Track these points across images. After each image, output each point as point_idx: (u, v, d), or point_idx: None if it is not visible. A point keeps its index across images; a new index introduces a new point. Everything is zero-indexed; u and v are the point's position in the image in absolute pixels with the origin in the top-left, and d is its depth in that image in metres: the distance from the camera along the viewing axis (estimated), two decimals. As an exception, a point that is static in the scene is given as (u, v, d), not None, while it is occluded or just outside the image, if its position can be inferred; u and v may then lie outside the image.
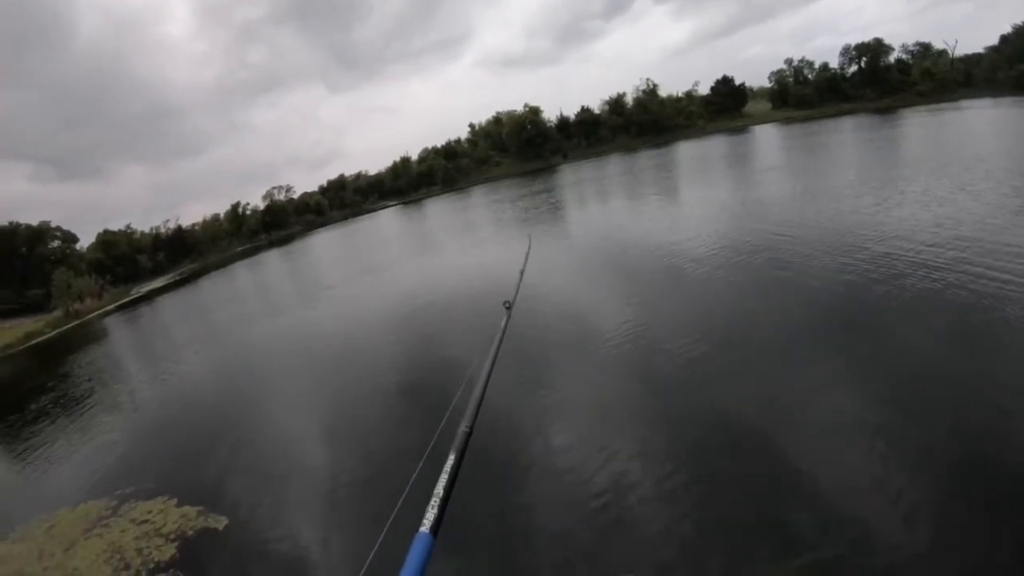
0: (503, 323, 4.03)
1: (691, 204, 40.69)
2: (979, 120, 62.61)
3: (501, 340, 3.74)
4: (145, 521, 14.11)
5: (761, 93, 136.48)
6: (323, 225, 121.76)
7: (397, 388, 18.94)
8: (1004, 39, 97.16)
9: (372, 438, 15.95)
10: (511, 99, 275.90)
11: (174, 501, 14.78)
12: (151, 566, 12.24)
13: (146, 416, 23.57)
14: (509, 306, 4.45)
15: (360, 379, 20.59)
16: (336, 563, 11.18)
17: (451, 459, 2.74)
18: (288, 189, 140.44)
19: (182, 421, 21.78)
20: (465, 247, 43.48)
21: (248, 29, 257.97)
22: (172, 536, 13.15)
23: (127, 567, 12.36)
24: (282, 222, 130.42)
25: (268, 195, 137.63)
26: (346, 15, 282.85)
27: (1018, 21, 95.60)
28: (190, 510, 14.12)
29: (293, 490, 14.18)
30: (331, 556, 11.45)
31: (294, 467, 15.43)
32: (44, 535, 14.74)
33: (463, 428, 2.93)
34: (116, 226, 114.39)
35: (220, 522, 13.34)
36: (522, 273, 4.74)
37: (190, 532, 13.19)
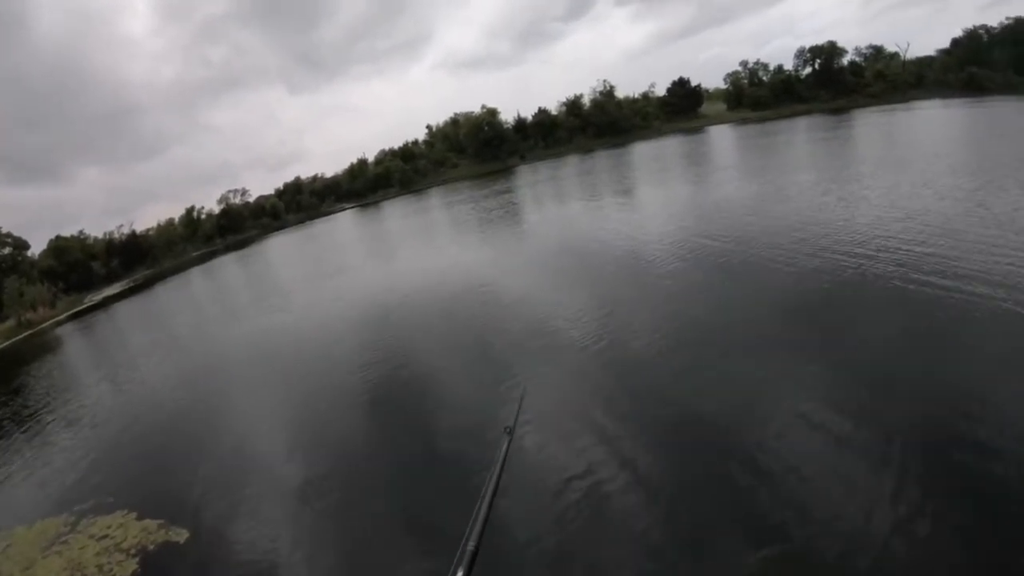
0: (504, 449, 3.97)
1: (646, 204, 40.99)
2: (929, 119, 64.91)
3: (503, 467, 3.71)
4: (105, 536, 13.89)
5: (717, 94, 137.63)
6: (280, 229, 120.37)
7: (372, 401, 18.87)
8: (955, 42, 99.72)
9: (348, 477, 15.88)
10: (471, 100, 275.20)
11: (134, 515, 14.56)
12: (112, 582, 12.10)
13: (104, 428, 23.16)
14: (510, 432, 4.38)
15: (331, 399, 20.38)
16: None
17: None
18: (244, 192, 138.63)
19: (141, 433, 21.44)
20: (424, 251, 43.19)
21: (209, 26, 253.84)
22: (133, 551, 12.96)
23: (87, 584, 12.22)
24: (238, 226, 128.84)
25: (224, 199, 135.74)
26: (310, 15, 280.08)
27: (970, 25, 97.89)
28: (151, 523, 13.94)
29: (256, 502, 14.00)
30: (298, 571, 11.38)
31: (257, 478, 15.29)
32: (1, 555, 14.48)
33: (470, 546, 2.90)
34: (69, 231, 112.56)
35: (181, 535, 13.19)
36: (516, 420, 4.63)
37: (151, 546, 13.02)
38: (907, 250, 19.73)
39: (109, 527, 14.30)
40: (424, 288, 29.49)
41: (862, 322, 15.56)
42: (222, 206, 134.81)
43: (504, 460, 3.68)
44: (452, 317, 24.09)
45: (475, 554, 2.83)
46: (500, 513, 9.43)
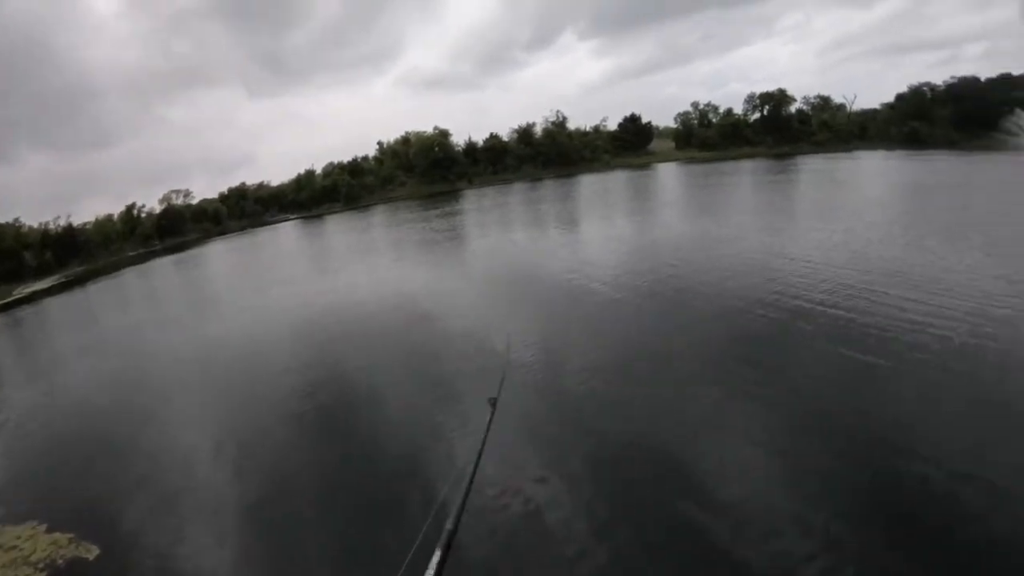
0: (488, 419, 3.89)
1: (589, 236, 41.44)
2: (868, 169, 67.57)
3: (485, 438, 3.64)
4: (13, 548, 13.49)
5: (667, 133, 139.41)
6: (221, 234, 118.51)
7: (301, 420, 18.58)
8: (900, 97, 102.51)
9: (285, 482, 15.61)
10: (426, 120, 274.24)
11: (44, 527, 14.16)
12: (16, 598, 11.71)
13: (19, 433, 22.48)
14: (494, 402, 4.31)
15: (258, 401, 20.15)
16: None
17: (435, 556, 2.70)
18: (187, 194, 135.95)
19: (58, 440, 20.80)
20: (363, 269, 42.81)
21: (178, 16, 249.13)
22: (41, 565, 12.62)
23: (-10, 599, 11.81)
24: (178, 228, 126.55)
25: (166, 198, 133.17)
26: (282, 17, 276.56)
27: (915, 81, 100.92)
28: (61, 537, 13.56)
29: (177, 520, 13.70)
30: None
31: (181, 494, 14.92)
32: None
33: (448, 525, 2.91)
34: (5, 218, 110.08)
35: (92, 551, 12.87)
36: (503, 373, 4.49)
37: (60, 561, 12.69)
38: (839, 291, 20.47)
39: (17, 538, 13.88)
40: (360, 308, 29.32)
41: (795, 355, 15.99)
42: (164, 206, 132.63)
43: (485, 439, 3.67)
44: (388, 339, 23.95)
45: (453, 534, 2.89)
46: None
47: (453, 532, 2.87)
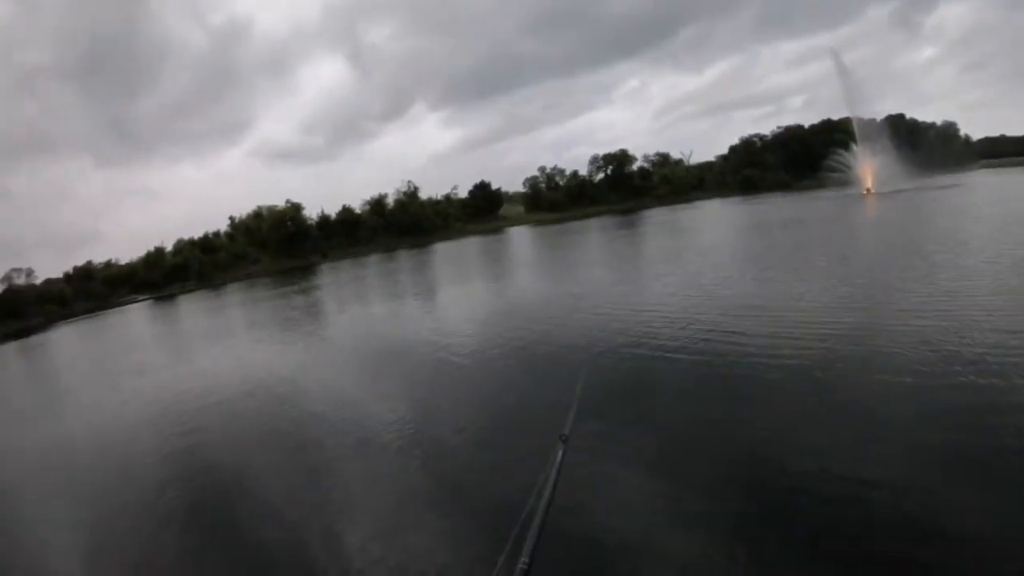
0: (559, 457, 3.79)
1: (445, 305, 41.68)
2: (708, 215, 70.46)
3: (558, 475, 3.54)
4: None
5: (516, 197, 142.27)
6: (67, 318, 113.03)
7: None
8: (732, 149, 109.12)
9: None
10: (279, 193, 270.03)
11: None
12: None
13: None
14: (565, 439, 4.14)
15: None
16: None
17: None
18: (30, 273, 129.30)
19: None
20: (222, 353, 42.08)
21: (27, 76, 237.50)
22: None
23: None
24: (20, 311, 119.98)
25: (7, 278, 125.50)
26: (131, 84, 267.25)
27: (746, 133, 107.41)
28: None
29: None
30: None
31: None
32: None
33: (522, 564, 2.79)
34: None
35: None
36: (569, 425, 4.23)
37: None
38: (695, 326, 21.40)
39: None
40: (221, 395, 28.54)
41: (664, 389, 16.61)
42: (4, 286, 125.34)
43: (559, 470, 3.55)
44: (252, 426, 23.60)
45: (528, 572, 2.77)
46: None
47: (527, 571, 2.75)
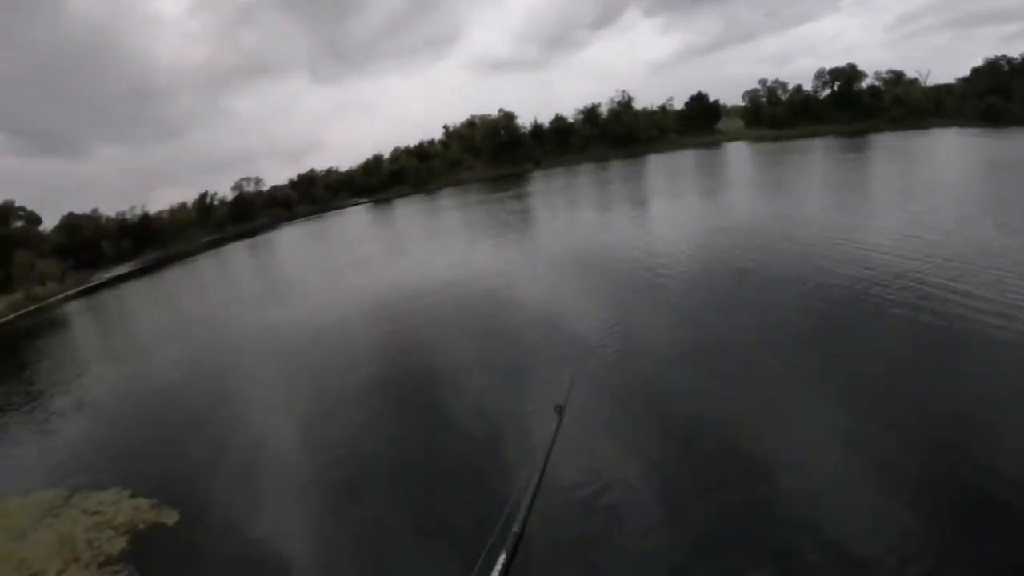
0: (554, 428, 3.87)
1: (661, 218, 40.80)
2: (947, 146, 64.98)
3: (552, 446, 3.62)
4: (97, 512, 14.02)
5: (735, 111, 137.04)
6: (291, 220, 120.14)
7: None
8: (975, 72, 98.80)
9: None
10: (491, 103, 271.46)
11: (128, 493, 14.70)
12: (101, 559, 12.18)
13: (104, 407, 23.33)
14: (561, 410, 4.20)
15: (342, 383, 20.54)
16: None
17: (501, 559, 2.70)
18: (258, 181, 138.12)
19: (141, 414, 21.58)
20: (438, 252, 43.08)
21: (243, 11, 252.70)
22: (123, 529, 13.09)
23: (77, 559, 12.29)
24: (250, 214, 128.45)
25: (237, 186, 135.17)
26: (344, 4, 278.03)
27: (991, 55, 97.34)
28: (143, 502, 14.07)
29: (252, 490, 14.07)
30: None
31: (255, 465, 15.33)
32: (-7, 523, 14.57)
33: (514, 529, 2.83)
34: (83, 209, 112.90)
35: (172, 516, 13.32)
36: (567, 399, 4.28)
37: (142, 525, 13.14)
38: (922, 277, 19.78)
39: (102, 503, 14.43)
40: (439, 289, 29.27)
41: (878, 347, 15.50)
42: (236, 193, 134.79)
43: (553, 442, 3.60)
44: (469, 318, 24.04)
45: (519, 538, 2.86)
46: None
47: (520, 536, 2.85)
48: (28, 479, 16.94)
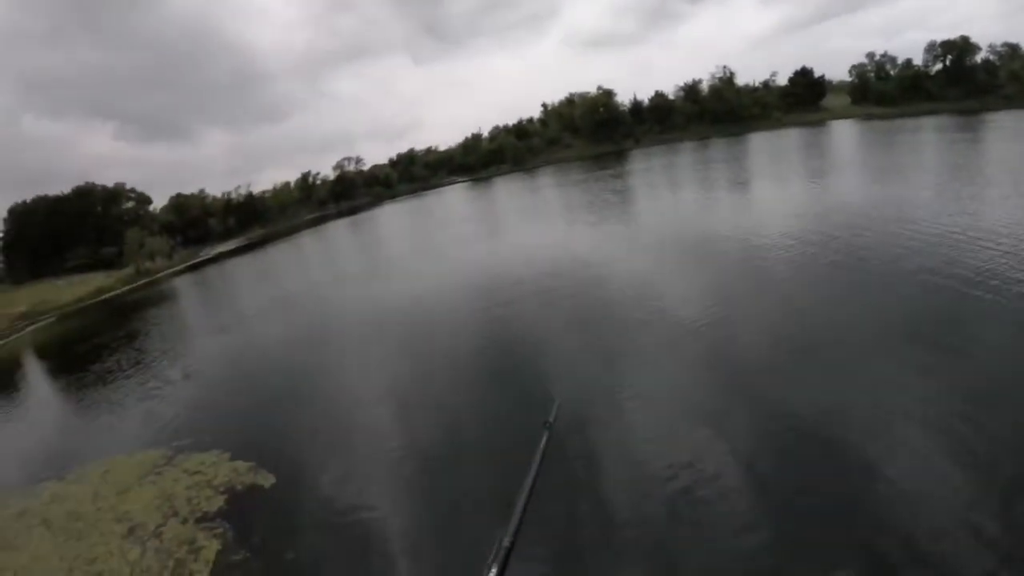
0: (542, 443, 3.80)
1: (762, 200, 39.84)
2: None
3: (541, 462, 3.56)
4: (197, 472, 14.50)
5: (840, 87, 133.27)
6: (392, 198, 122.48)
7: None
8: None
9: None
10: (588, 80, 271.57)
11: (227, 455, 15.15)
12: (198, 515, 12.57)
13: (209, 373, 24.13)
14: (549, 425, 4.15)
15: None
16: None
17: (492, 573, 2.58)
18: (358, 161, 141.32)
19: (242, 382, 22.30)
20: (538, 233, 42.92)
21: None
22: (221, 488, 13.48)
23: (175, 514, 12.71)
24: (351, 193, 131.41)
25: (339, 166, 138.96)
26: None
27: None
28: (241, 465, 14.46)
29: (344, 459, 14.34)
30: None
31: (348, 436, 15.59)
32: (100, 478, 15.26)
33: (505, 542, 2.79)
34: (191, 190, 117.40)
35: (268, 480, 13.64)
36: (554, 415, 4.17)
37: (239, 486, 13.50)
38: None
39: (202, 464, 14.93)
40: (538, 269, 29.11)
41: (992, 343, 14.67)
42: (337, 173, 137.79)
43: (543, 455, 3.56)
44: (554, 301, 23.92)
45: (510, 550, 2.73)
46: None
47: (510, 548, 2.69)
48: (135, 440, 17.71)
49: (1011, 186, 29.92)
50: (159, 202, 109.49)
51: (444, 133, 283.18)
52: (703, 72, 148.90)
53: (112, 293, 62.83)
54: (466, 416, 15.51)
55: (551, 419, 4.14)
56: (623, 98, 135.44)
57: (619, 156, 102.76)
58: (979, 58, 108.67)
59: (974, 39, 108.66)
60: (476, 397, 16.58)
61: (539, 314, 22.42)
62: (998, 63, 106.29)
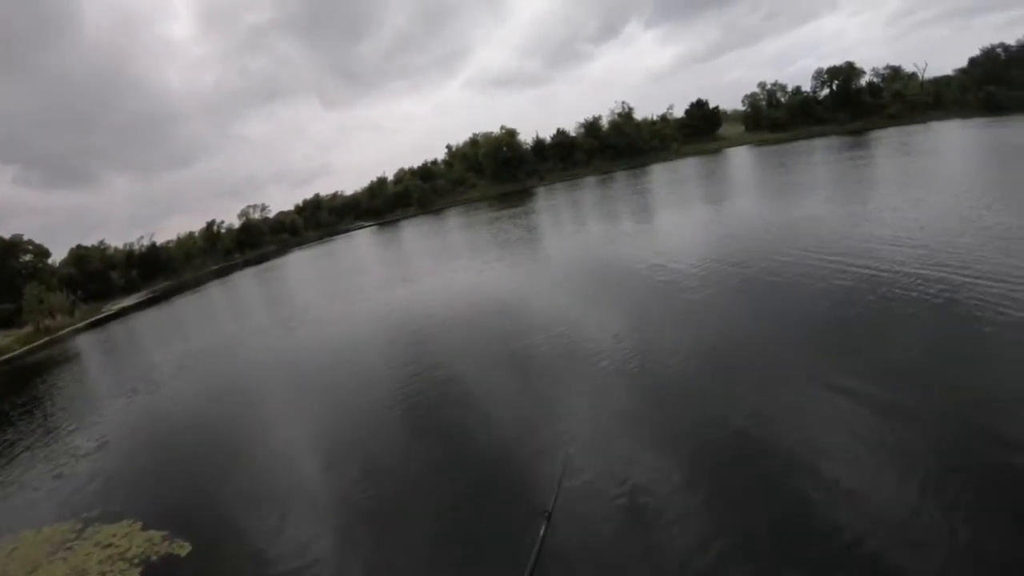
0: (541, 533, 3.77)
1: (667, 229, 40.73)
2: (949, 138, 64.77)
3: (539, 554, 3.53)
4: (110, 545, 14.08)
5: (735, 116, 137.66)
6: (298, 245, 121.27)
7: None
8: (972, 61, 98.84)
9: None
10: (495, 120, 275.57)
11: (139, 525, 14.75)
12: (114, 591, 12.22)
13: (115, 440, 23.37)
14: (548, 515, 4.09)
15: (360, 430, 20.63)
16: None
17: None
18: (263, 208, 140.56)
19: (152, 446, 21.63)
20: (445, 273, 42.79)
21: (253, 35, 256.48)
22: (136, 561, 13.12)
23: (89, 591, 12.34)
24: (257, 241, 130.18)
25: (244, 213, 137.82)
26: (354, 27, 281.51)
27: (987, 44, 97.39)
28: (155, 534, 14.10)
29: (262, 522, 14.02)
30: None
31: (266, 497, 15.33)
32: (6, 557, 14.71)
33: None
34: (93, 239, 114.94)
35: (184, 548, 13.33)
36: (559, 484, 4.12)
37: (154, 557, 13.17)
38: (935, 270, 19.61)
39: (114, 536, 14.49)
40: (448, 310, 29.24)
41: (894, 340, 15.39)
42: (242, 220, 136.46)
43: (540, 548, 3.48)
44: (477, 340, 23.97)
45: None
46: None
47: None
48: (41, 513, 17.04)
49: (893, 196, 31.49)
50: (58, 254, 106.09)
51: (353, 177, 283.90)
52: (604, 108, 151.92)
53: (10, 354, 60.55)
54: (393, 468, 15.41)
55: (551, 509, 4.10)
56: (526, 136, 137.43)
57: (524, 194, 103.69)
58: (864, 81, 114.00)
59: (859, 64, 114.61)
60: (403, 448, 16.48)
61: (461, 354, 22.49)
62: (882, 84, 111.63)
